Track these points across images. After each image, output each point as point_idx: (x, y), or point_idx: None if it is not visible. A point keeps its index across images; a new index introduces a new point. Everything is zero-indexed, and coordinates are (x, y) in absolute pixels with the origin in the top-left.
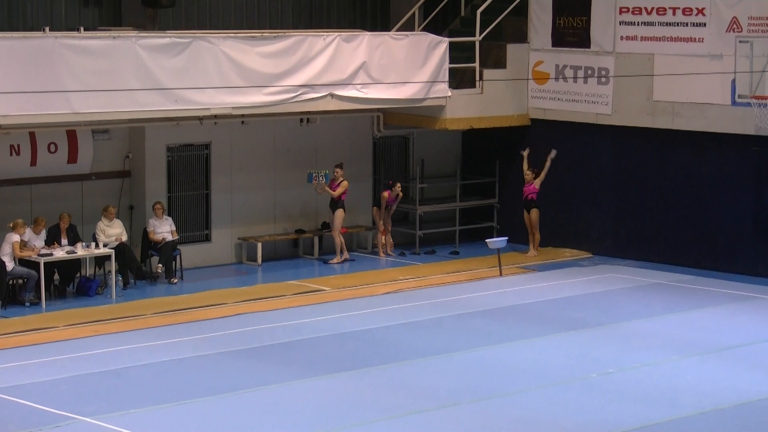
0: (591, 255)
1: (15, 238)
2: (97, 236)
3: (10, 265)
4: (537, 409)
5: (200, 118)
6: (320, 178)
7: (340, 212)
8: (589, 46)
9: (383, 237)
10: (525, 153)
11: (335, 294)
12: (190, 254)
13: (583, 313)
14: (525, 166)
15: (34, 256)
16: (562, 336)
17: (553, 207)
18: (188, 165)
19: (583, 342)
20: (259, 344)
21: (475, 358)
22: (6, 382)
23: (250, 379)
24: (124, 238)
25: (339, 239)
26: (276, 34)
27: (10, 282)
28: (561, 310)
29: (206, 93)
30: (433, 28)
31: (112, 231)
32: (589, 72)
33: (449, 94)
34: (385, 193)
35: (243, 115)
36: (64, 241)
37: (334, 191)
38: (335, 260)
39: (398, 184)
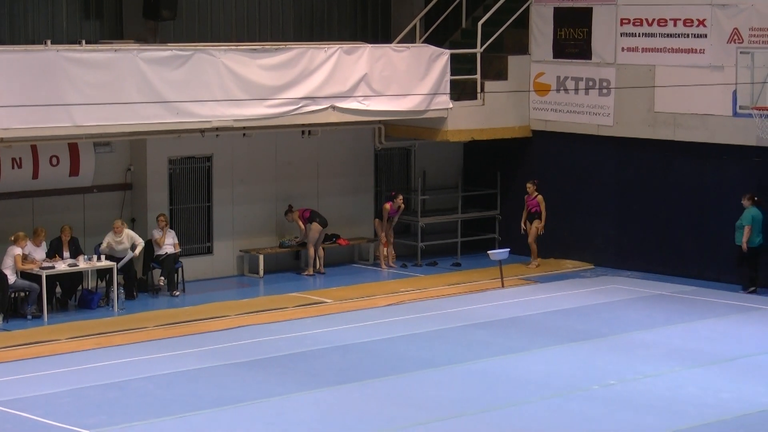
0: (593, 266)
1: (17, 251)
2: (101, 249)
3: (12, 278)
4: (540, 420)
5: (202, 131)
6: (293, 239)
7: (314, 225)
8: (590, 58)
9: (385, 249)
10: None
11: (337, 306)
12: (192, 267)
13: (586, 325)
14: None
15: (35, 269)
16: (565, 347)
17: (555, 218)
18: (190, 177)
19: (586, 353)
20: (262, 356)
21: (477, 369)
22: (8, 395)
23: (252, 391)
24: (137, 251)
25: (312, 251)
26: (277, 47)
27: (12, 295)
28: (563, 322)
29: (207, 105)
30: (434, 40)
31: (121, 246)
32: (591, 83)
33: (450, 105)
34: (387, 205)
35: (244, 128)
36: (66, 253)
37: (303, 228)
38: (308, 272)
39: (400, 196)
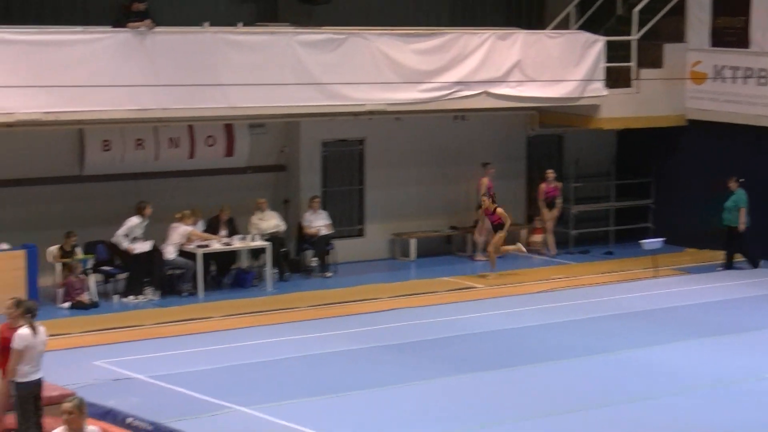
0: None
1: (189, 228)
2: (249, 229)
3: (172, 255)
4: (686, 412)
5: (355, 114)
6: None
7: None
8: (748, 47)
9: (540, 235)
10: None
11: (487, 291)
12: (343, 249)
13: (740, 318)
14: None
15: (192, 247)
16: (716, 339)
17: (707, 208)
18: (342, 160)
19: (738, 346)
20: (410, 340)
21: (624, 359)
22: (164, 370)
23: (401, 374)
24: (282, 229)
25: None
26: (431, 32)
27: (168, 272)
28: (716, 314)
29: (361, 89)
30: (589, 26)
31: (266, 224)
32: (749, 73)
33: (604, 93)
34: (543, 185)
35: (397, 112)
36: (223, 232)
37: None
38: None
39: (551, 172)
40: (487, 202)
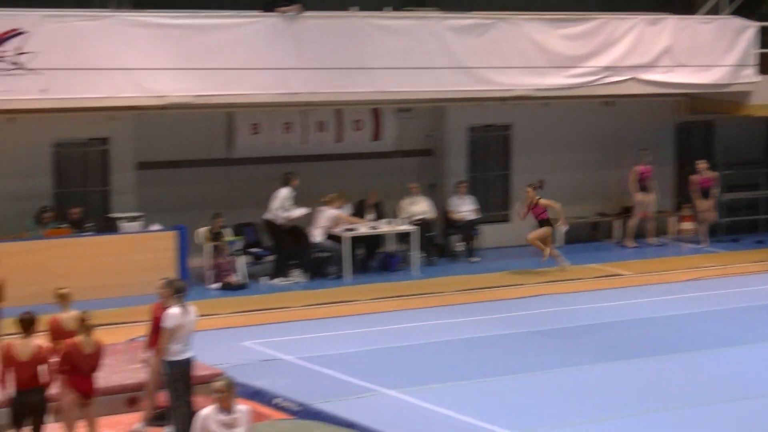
0: None
1: (336, 212)
2: (398, 213)
3: (319, 238)
4: None
5: (502, 99)
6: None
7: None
8: None
9: (691, 223)
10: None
11: (635, 279)
12: (489, 234)
13: None
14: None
15: (339, 231)
16: None
17: None
18: (489, 145)
19: None
20: (557, 326)
21: None
22: (312, 351)
23: (547, 361)
24: (431, 215)
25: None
26: (579, 17)
27: (316, 255)
28: None
29: (508, 74)
30: (740, 12)
31: (416, 208)
32: None
33: (756, 79)
34: (694, 177)
35: (545, 97)
36: (370, 216)
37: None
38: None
39: (702, 163)
40: (531, 193)
